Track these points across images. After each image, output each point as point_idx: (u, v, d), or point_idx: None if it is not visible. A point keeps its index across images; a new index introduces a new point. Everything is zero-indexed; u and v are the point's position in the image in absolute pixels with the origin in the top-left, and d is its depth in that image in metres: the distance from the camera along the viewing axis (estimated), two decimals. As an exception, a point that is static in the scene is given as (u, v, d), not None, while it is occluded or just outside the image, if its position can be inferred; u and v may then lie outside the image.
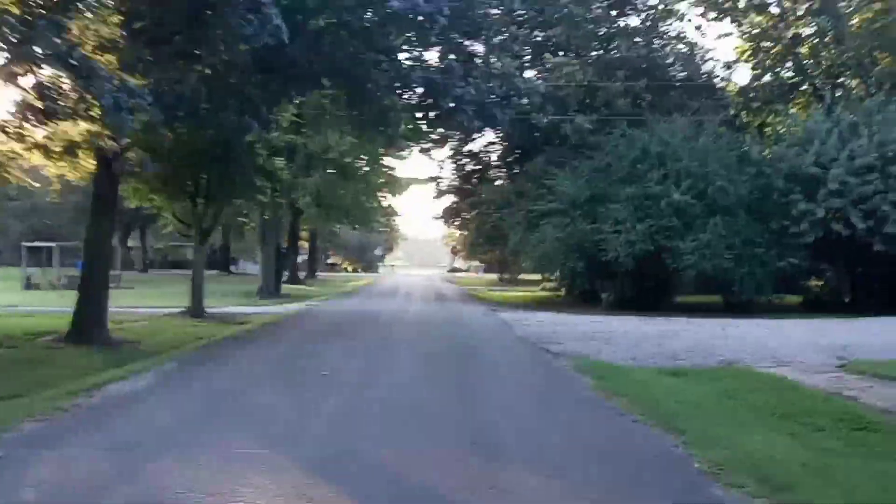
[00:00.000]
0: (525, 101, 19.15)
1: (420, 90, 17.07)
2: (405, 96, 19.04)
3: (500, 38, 18.77)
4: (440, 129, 37.63)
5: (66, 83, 12.53)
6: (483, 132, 37.08)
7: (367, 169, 41.52)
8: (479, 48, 19.96)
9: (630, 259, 26.31)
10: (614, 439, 7.68)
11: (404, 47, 17.58)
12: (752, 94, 36.44)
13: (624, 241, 26.41)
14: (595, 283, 30.83)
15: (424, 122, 19.84)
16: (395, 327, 20.49)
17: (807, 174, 26.69)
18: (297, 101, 30.05)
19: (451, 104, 16.79)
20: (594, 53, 34.40)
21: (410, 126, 37.20)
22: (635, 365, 13.92)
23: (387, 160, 46.40)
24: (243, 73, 17.00)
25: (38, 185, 22.80)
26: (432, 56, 18.62)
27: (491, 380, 11.24)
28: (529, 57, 29.21)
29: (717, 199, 26.63)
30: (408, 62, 17.74)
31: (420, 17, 15.03)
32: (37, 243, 45.02)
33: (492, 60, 18.37)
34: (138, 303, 28.05)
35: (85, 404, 8.78)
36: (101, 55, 13.08)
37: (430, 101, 17.43)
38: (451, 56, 17.84)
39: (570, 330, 20.27)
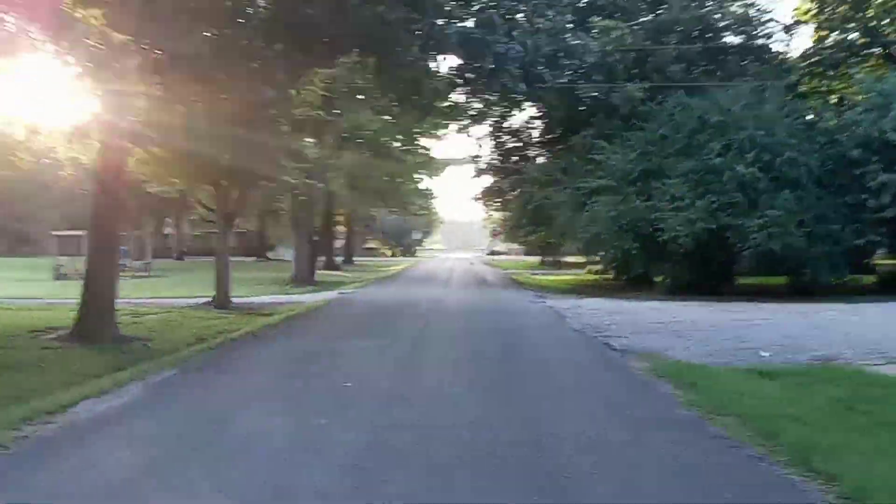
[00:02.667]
0: (577, 62, 16.80)
1: (457, 51, 14.88)
2: (440, 60, 16.99)
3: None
4: (478, 102, 35.52)
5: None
6: (526, 103, 34.83)
7: (402, 148, 39.46)
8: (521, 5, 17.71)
9: (690, 239, 23.93)
10: (751, 495, 5.53)
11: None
12: (815, 59, 33.58)
13: (683, 220, 24.03)
14: (648, 266, 28.41)
15: (462, 86, 17.59)
16: (433, 319, 18.44)
17: (885, 142, 24.04)
18: (325, 73, 28.36)
19: (493, 64, 14.64)
20: (643, 19, 31.79)
21: (447, 104, 35.43)
22: (717, 364, 11.76)
23: (423, 140, 44.45)
24: (256, 33, 15.13)
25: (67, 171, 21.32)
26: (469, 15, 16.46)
27: (554, 392, 9.05)
28: (573, 21, 26.67)
29: (785, 171, 24.11)
30: (441, 21, 15.61)
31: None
32: (67, 232, 43.86)
33: (537, 15, 16.11)
34: (164, 293, 26.77)
35: (34, 436, 6.90)
36: (84, 10, 11.17)
37: (468, 63, 15.27)
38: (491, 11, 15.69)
39: (630, 320, 18.10)
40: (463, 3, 16.05)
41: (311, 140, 27.38)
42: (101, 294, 14.82)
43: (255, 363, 11.64)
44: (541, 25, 15.74)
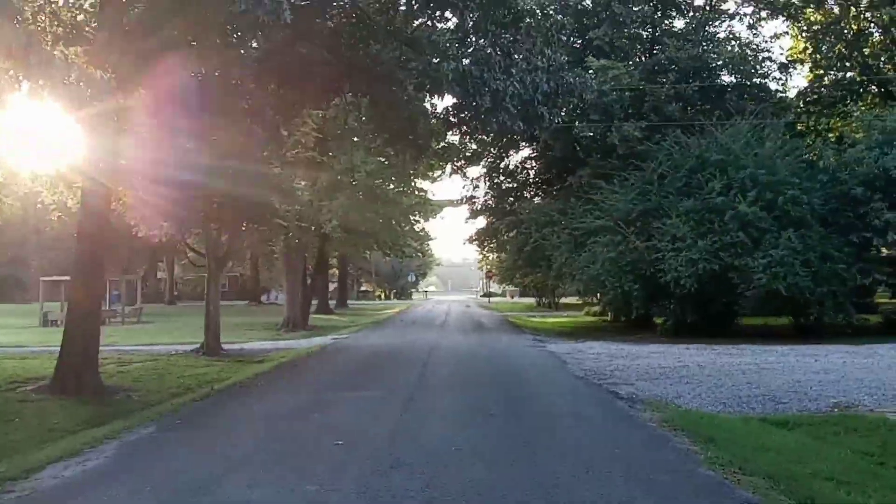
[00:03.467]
0: (575, 100, 16.33)
1: (453, 89, 14.34)
2: (436, 99, 16.50)
3: (542, 29, 15.85)
4: (474, 143, 35.20)
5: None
6: (522, 143, 34.52)
7: (397, 190, 38.97)
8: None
9: (692, 280, 23.33)
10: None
11: (433, 38, 14.95)
12: (812, 98, 33.43)
13: (685, 260, 23.45)
14: (649, 307, 27.78)
15: (458, 126, 17.05)
16: (429, 367, 17.70)
17: (889, 179, 23.64)
18: (319, 114, 27.91)
19: (490, 103, 14.11)
20: (640, 58, 31.64)
21: (442, 144, 35.01)
22: (731, 414, 11.15)
23: (418, 182, 44.00)
24: (246, 71, 14.64)
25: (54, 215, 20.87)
26: (465, 53, 16.01)
27: (566, 452, 8.23)
28: (570, 61, 26.42)
29: (788, 210, 23.63)
30: (436, 59, 15.13)
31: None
32: (55, 277, 43.07)
33: (534, 53, 15.63)
34: (154, 339, 26.16)
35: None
36: (66, 48, 10.67)
37: (465, 101, 14.74)
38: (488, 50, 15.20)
39: (634, 364, 17.44)
40: (459, 41, 15.53)
41: (303, 182, 26.85)
42: (83, 342, 14.11)
43: (241, 418, 10.90)
44: (539, 63, 15.20)
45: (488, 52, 14.32)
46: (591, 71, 25.80)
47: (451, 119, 17.89)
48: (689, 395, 12.65)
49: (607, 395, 12.81)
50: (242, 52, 16.04)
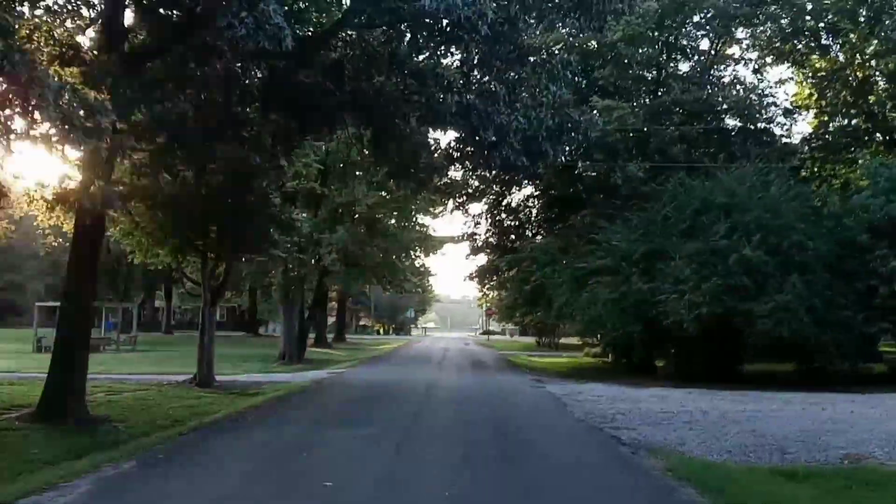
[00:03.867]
0: (580, 137, 16.10)
1: (457, 122, 14.11)
2: (439, 133, 16.29)
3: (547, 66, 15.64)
4: (476, 179, 35.01)
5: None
6: (525, 181, 34.24)
7: (398, 225, 38.74)
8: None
9: (694, 323, 22.92)
10: None
11: (437, 71, 14.75)
12: (816, 144, 33.33)
13: (687, 303, 23.06)
14: (650, 350, 27.33)
15: (460, 160, 16.81)
16: (425, 407, 17.24)
17: (894, 226, 23.37)
18: (321, 147, 27.73)
19: (494, 137, 13.86)
20: (644, 100, 31.61)
21: (445, 180, 34.85)
22: (738, 463, 10.70)
23: (419, 217, 43.84)
24: (245, 99, 14.46)
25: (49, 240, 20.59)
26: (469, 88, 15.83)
27: (566, 501, 7.92)
28: (574, 100, 26.37)
29: (793, 255, 23.31)
30: (440, 93, 14.92)
31: (456, 22, 12.17)
32: (49, 303, 42.69)
33: (539, 90, 15.44)
34: (147, 369, 25.81)
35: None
36: (62, 69, 10.41)
37: (468, 135, 14.50)
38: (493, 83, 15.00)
39: (635, 409, 16.96)
40: (463, 76, 15.33)
41: (303, 213, 26.62)
42: (70, 370, 13.74)
43: (227, 455, 10.48)
44: (544, 100, 15.00)
45: (493, 86, 14.08)
46: (595, 111, 25.67)
47: (454, 153, 17.71)
48: (694, 443, 12.21)
49: (609, 439, 12.38)
50: (244, 80, 15.91)
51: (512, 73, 15.69)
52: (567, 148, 15.99)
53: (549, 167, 20.73)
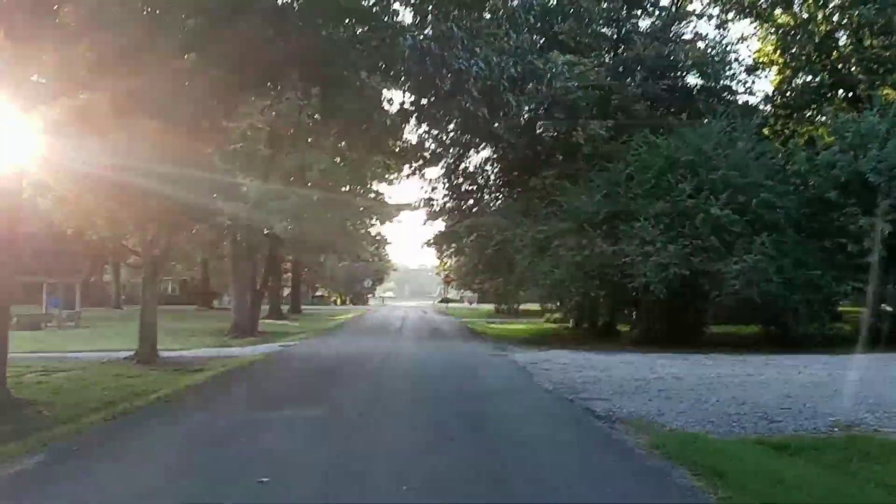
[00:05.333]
0: (544, 88, 14.92)
1: (410, 70, 12.80)
2: (392, 91, 14.99)
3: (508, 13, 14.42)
4: (433, 142, 33.72)
5: None
6: (482, 146, 33.12)
7: (350, 191, 37.30)
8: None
9: (662, 286, 22.11)
10: None
11: (388, 13, 13.40)
12: (779, 101, 32.62)
13: (654, 265, 22.22)
14: (615, 315, 26.53)
15: (415, 116, 15.50)
16: (381, 379, 16.12)
17: (864, 183, 22.71)
18: (272, 112, 26.18)
19: (451, 85, 12.62)
20: (606, 57, 30.47)
21: (400, 144, 33.47)
22: (723, 434, 9.81)
23: (375, 185, 42.46)
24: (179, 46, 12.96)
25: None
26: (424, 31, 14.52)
27: (544, 490, 6.82)
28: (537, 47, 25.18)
29: (762, 214, 22.57)
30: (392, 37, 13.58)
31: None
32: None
33: (500, 37, 14.21)
34: (89, 346, 24.27)
35: None
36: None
37: (423, 83, 13.19)
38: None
39: (605, 376, 16.04)
40: (418, 19, 14.01)
41: (250, 179, 25.13)
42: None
43: (153, 444, 9.22)
44: (505, 46, 13.79)
45: (450, 28, 12.80)
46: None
47: (409, 108, 16.42)
48: (672, 413, 11.27)
49: (582, 412, 11.37)
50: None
51: (470, 21, 14.47)
52: (530, 100, 14.72)
53: (510, 120, 19.55)
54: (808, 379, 15.23)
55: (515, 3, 14.50)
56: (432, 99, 13.43)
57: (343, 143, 21.25)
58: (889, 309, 23.44)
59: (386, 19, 14.05)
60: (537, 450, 8.76)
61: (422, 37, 12.82)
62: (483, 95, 13.08)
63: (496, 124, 19.13)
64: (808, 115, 32.19)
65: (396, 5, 13.46)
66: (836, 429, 10.34)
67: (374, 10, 13.43)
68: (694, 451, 8.29)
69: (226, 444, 8.92)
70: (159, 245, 21.43)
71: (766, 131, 31.31)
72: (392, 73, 13.14)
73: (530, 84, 14.25)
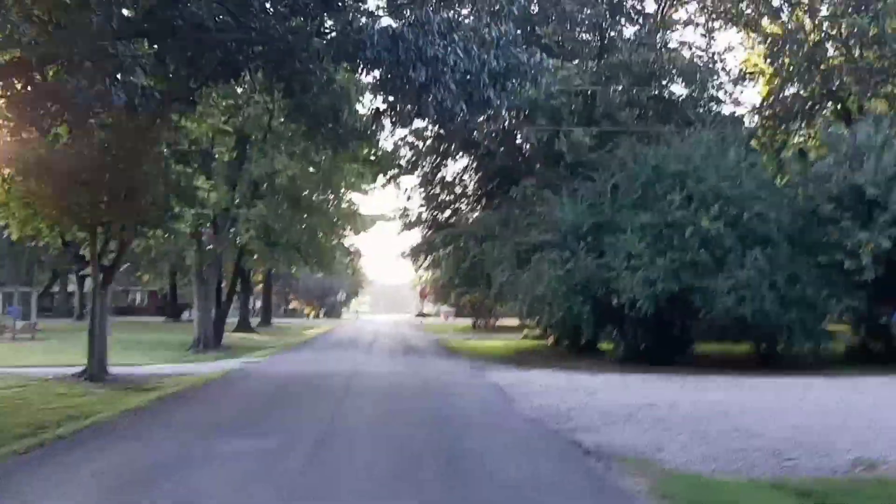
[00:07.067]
0: (529, 84, 13.57)
1: (379, 56, 11.36)
2: (360, 75, 13.59)
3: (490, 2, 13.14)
4: (408, 150, 32.38)
5: None
6: (460, 154, 31.79)
7: (322, 199, 35.75)
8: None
9: (649, 302, 20.81)
10: None
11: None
12: (768, 112, 31.65)
13: (641, 280, 20.93)
14: (598, 332, 25.14)
15: (386, 114, 14.11)
16: (348, 403, 14.59)
17: (860, 196, 21.63)
18: (239, 115, 24.80)
19: (426, 75, 11.23)
20: (591, 63, 29.29)
21: (375, 152, 32.08)
22: (733, 474, 8.50)
23: (348, 194, 40.95)
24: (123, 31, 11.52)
25: None
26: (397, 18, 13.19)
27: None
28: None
29: (754, 227, 21.38)
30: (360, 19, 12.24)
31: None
32: None
33: (480, 29, 12.89)
34: (39, 360, 22.86)
35: None
36: None
37: (394, 73, 11.77)
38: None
39: (591, 401, 14.67)
40: (392, 7, 12.69)
41: (211, 184, 23.61)
42: None
43: (61, 485, 7.70)
44: (487, 37, 12.45)
45: (426, 11, 11.43)
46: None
47: (380, 107, 15.03)
48: (673, 448, 9.91)
49: (570, 447, 9.97)
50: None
51: (449, 11, 13.20)
52: (513, 97, 13.38)
53: (490, 120, 18.23)
54: (813, 405, 13.94)
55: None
56: (406, 91, 11.93)
57: (310, 144, 19.77)
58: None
59: (355, 4, 12.74)
60: (522, 495, 7.34)
61: (394, 23, 11.45)
62: (461, 88, 11.70)
63: (475, 123, 17.77)
64: (796, 126, 31.25)
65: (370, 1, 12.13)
66: (858, 468, 9.06)
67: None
68: (703, 499, 6.94)
69: (149, 487, 7.43)
70: (108, 254, 19.90)
71: (753, 143, 30.30)
72: (359, 60, 11.71)
73: (513, 80, 12.82)
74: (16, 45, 11.48)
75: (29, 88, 12.99)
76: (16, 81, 13.10)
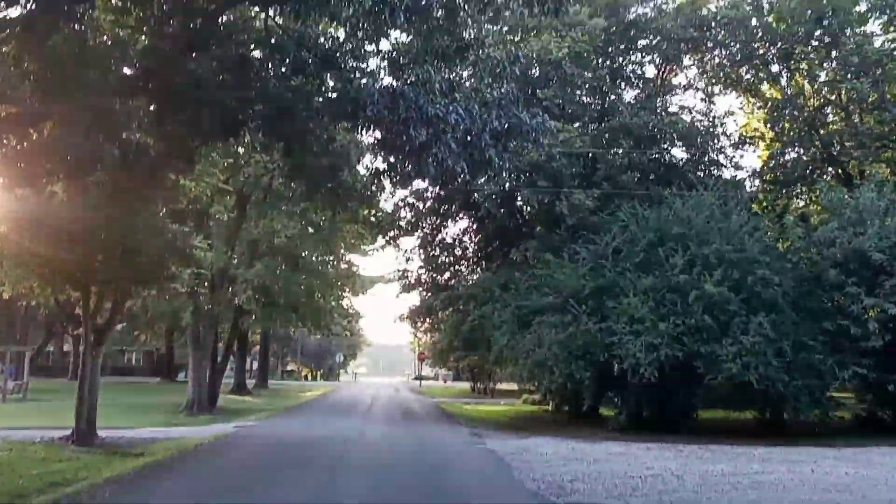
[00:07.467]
0: (530, 146, 13.41)
1: (380, 114, 11.19)
2: (360, 134, 13.42)
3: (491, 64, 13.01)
4: (408, 212, 32.28)
5: None
6: (460, 216, 31.63)
7: (321, 259, 35.54)
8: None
9: (652, 367, 20.33)
10: None
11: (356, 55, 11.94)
12: (768, 176, 31.64)
13: (644, 345, 20.48)
14: (600, 397, 24.60)
15: (386, 174, 13.89)
16: (338, 475, 14.00)
17: (865, 262, 21.36)
18: (240, 176, 24.72)
19: (427, 134, 11.04)
20: (591, 125, 29.39)
21: (375, 213, 31.98)
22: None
23: (347, 256, 40.81)
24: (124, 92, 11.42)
25: None
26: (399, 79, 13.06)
27: None
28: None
29: (759, 292, 21.03)
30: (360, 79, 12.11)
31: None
32: None
33: (482, 89, 12.79)
34: (27, 422, 22.22)
35: None
36: None
37: (395, 132, 11.59)
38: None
39: (595, 472, 14.10)
40: (392, 65, 12.58)
41: (209, 241, 23.39)
42: None
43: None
44: (488, 97, 12.33)
45: (427, 70, 11.30)
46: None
47: (380, 167, 14.80)
48: (683, 529, 9.41)
49: (575, 526, 9.47)
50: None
51: (450, 72, 13.09)
52: (514, 158, 13.19)
53: (492, 181, 18.05)
54: (827, 480, 13.37)
55: (501, 53, 13.05)
56: (406, 151, 11.73)
57: (309, 204, 19.61)
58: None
59: (355, 65, 12.64)
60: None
61: (396, 81, 11.32)
62: (462, 147, 11.51)
63: (476, 184, 17.60)
64: (797, 190, 31.22)
65: (371, 61, 12.03)
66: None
67: (336, 50, 11.95)
68: None
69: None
70: (102, 313, 19.51)
71: (754, 207, 30.22)
72: (360, 119, 11.54)
73: (515, 140, 12.66)
74: (10, 100, 11.34)
75: (25, 145, 12.85)
76: (11, 138, 12.93)
